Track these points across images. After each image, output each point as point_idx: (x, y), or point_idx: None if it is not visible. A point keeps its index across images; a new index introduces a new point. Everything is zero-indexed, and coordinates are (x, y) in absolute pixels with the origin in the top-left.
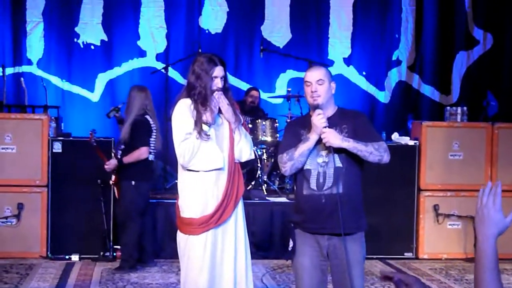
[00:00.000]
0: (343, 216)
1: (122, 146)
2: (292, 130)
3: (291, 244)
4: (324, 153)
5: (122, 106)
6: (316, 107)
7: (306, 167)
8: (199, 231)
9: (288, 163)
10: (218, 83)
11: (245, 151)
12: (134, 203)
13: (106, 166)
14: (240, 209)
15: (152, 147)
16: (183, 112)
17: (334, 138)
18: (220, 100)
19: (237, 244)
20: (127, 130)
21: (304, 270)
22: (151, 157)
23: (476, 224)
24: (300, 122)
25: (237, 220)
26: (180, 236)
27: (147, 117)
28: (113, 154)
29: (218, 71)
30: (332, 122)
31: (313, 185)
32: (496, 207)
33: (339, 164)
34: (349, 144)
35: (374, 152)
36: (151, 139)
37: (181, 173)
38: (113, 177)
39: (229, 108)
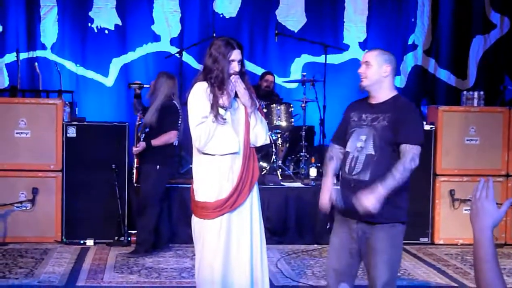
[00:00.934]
0: None
1: (147, 130)
2: (345, 113)
3: (328, 224)
4: (363, 137)
5: (147, 88)
6: (363, 88)
7: (347, 149)
8: (214, 215)
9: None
10: (235, 67)
11: (261, 135)
12: (156, 187)
13: (134, 149)
14: (255, 193)
15: (178, 133)
16: (199, 95)
17: (367, 202)
18: (237, 84)
19: (252, 228)
20: (155, 114)
21: (333, 250)
22: (176, 143)
23: (471, 218)
24: (353, 105)
25: (252, 205)
26: (195, 220)
27: (175, 102)
28: (136, 138)
29: (236, 54)
30: (378, 109)
31: (347, 168)
32: (489, 199)
33: (371, 151)
34: (382, 192)
35: (402, 175)
36: (178, 125)
37: (196, 157)
38: (136, 160)
39: (245, 92)
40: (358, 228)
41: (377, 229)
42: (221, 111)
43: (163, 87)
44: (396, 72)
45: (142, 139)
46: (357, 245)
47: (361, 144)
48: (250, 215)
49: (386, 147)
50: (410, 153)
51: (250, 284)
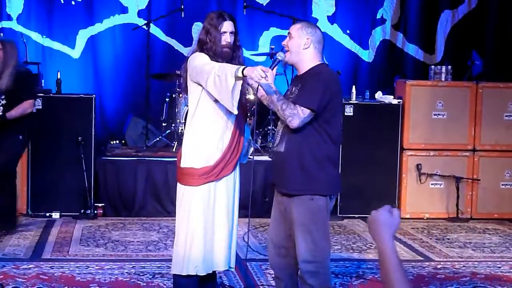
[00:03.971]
0: (286, 176)
1: (4, 102)
2: None
3: (267, 197)
4: None
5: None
6: (285, 63)
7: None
8: (199, 182)
9: None
10: (226, 38)
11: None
12: (16, 157)
13: None
14: (238, 168)
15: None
16: (202, 56)
17: (254, 73)
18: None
19: (235, 201)
20: (9, 80)
21: (271, 222)
22: (34, 110)
23: (372, 235)
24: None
25: (236, 178)
26: (179, 187)
27: (29, 68)
28: None
29: (227, 26)
30: (298, 81)
31: (273, 141)
32: (380, 211)
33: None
34: (270, 91)
35: (280, 111)
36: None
37: (189, 123)
38: None
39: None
40: (282, 201)
41: (294, 203)
42: None
43: (12, 53)
44: (320, 46)
45: (0, 111)
46: (286, 218)
47: None
48: (233, 187)
49: None
50: (297, 110)
51: (228, 255)
